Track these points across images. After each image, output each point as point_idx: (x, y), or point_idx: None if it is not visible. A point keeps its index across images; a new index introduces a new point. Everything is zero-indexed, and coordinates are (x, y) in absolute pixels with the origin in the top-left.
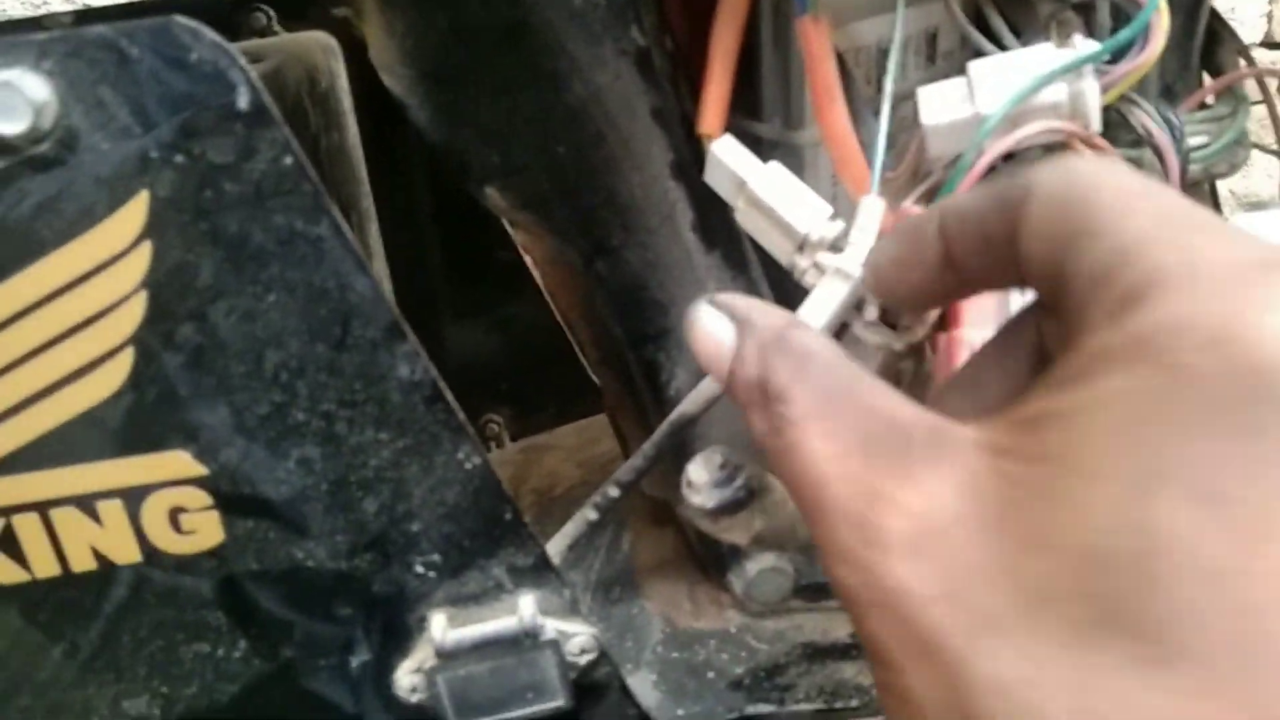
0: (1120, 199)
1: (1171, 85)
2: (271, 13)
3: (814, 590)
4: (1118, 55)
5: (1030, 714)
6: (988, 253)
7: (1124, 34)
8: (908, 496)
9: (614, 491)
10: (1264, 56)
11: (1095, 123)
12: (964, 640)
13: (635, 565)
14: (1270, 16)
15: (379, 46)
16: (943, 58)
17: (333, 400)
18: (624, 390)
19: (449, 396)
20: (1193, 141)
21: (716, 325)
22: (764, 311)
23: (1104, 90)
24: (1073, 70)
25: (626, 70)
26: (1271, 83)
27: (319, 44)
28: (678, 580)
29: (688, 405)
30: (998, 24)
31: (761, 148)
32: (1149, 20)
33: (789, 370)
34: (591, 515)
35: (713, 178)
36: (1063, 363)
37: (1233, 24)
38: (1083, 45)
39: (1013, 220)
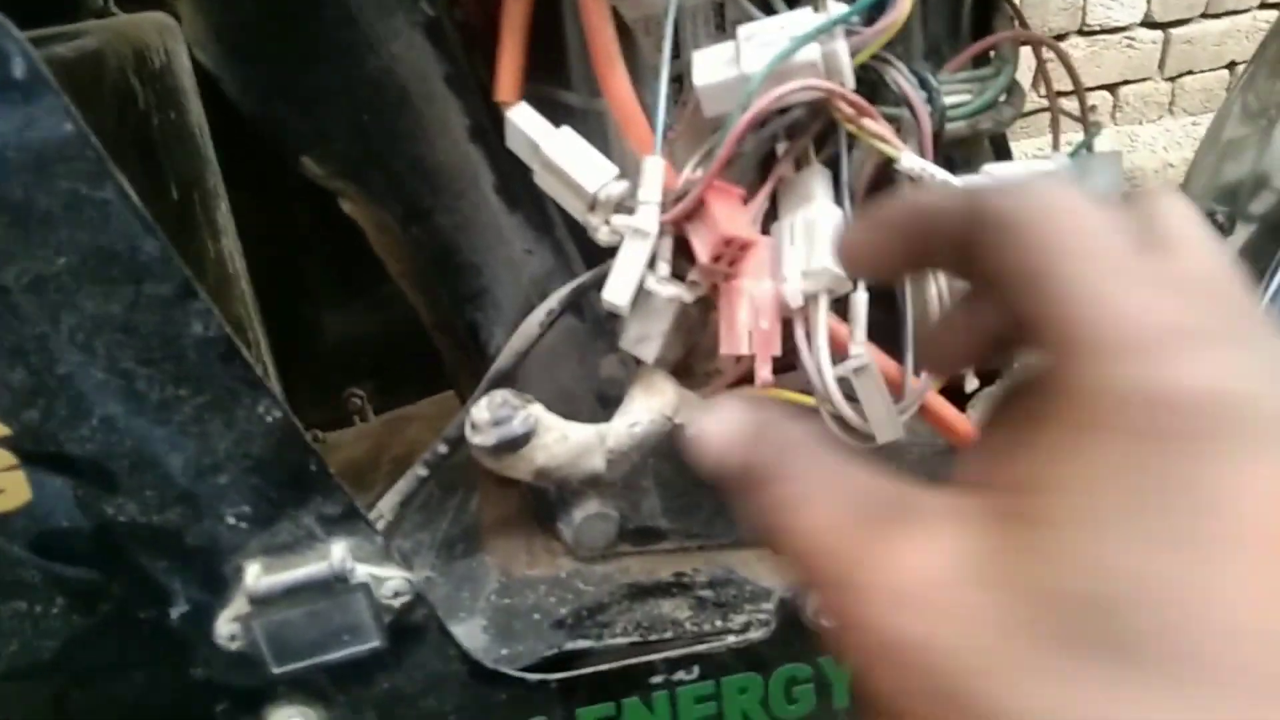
0: (1072, 240)
1: (938, 48)
2: None
3: (640, 534)
4: (873, 17)
5: None
6: (952, 254)
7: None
8: (897, 557)
9: (442, 448)
10: (1145, 35)
11: (848, 80)
12: (988, 683)
13: (480, 523)
14: None
15: (191, 23)
16: (731, 26)
17: (130, 359)
18: (456, 353)
19: (245, 353)
20: (954, 99)
21: (715, 422)
22: (759, 404)
23: (858, 50)
24: (825, 32)
25: (419, 41)
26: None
27: (155, 24)
28: (517, 534)
29: (501, 360)
30: None
31: (570, 115)
32: None
33: (784, 453)
34: (422, 471)
35: (512, 143)
36: (1024, 417)
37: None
38: (834, 9)
39: (972, 231)
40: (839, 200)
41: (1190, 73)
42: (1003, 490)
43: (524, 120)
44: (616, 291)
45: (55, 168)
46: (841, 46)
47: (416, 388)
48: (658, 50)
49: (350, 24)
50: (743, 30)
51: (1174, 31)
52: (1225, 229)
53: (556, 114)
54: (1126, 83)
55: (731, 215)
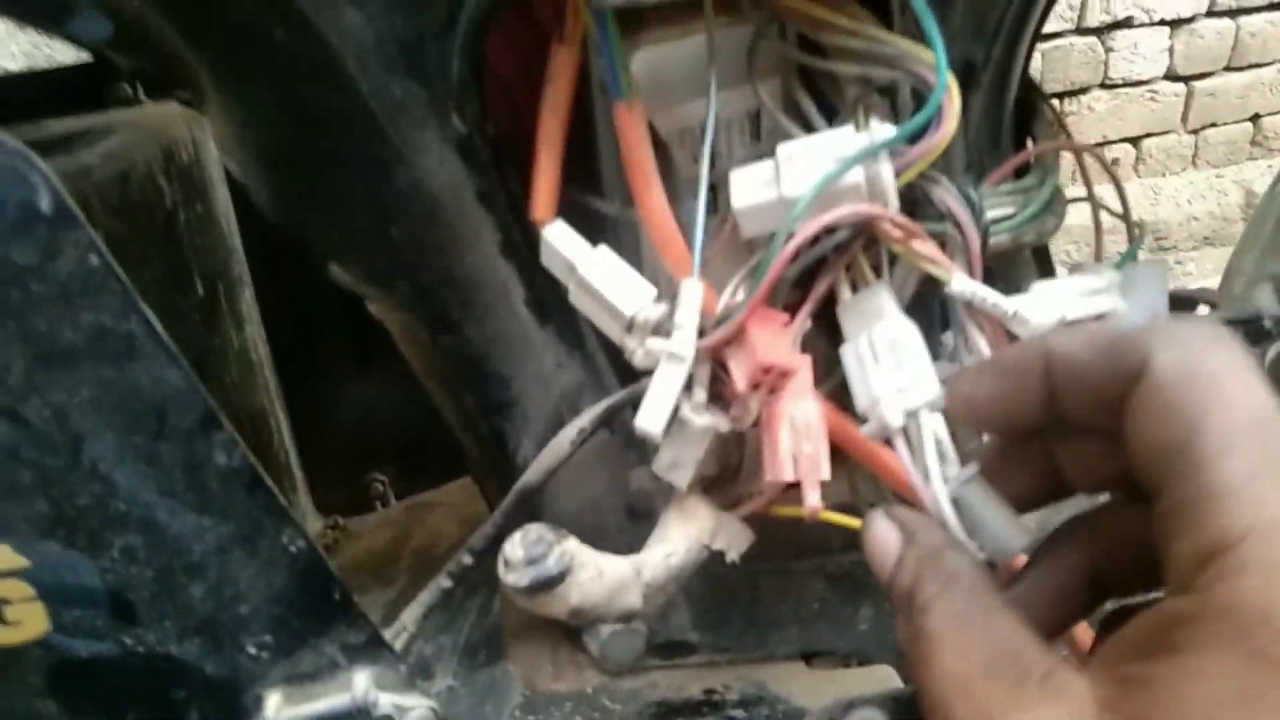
0: (1227, 427)
1: (980, 160)
2: (137, 84)
3: (669, 648)
4: (917, 136)
5: None
6: (1093, 409)
7: (917, 119)
8: None
9: (467, 559)
10: (1168, 88)
11: (893, 202)
12: None
13: (503, 628)
14: (1172, 50)
15: (219, 129)
16: (767, 135)
17: (153, 490)
18: (482, 455)
19: (269, 482)
20: (999, 213)
21: (886, 533)
22: (928, 528)
23: (902, 171)
24: (870, 154)
25: (449, 156)
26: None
27: (182, 116)
28: (542, 642)
29: (530, 475)
30: (807, 106)
31: (603, 223)
32: (940, 104)
33: (936, 586)
34: (446, 583)
35: (547, 261)
36: (1159, 616)
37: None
38: (878, 131)
39: (1120, 389)
40: None
41: (1214, 125)
42: (1137, 687)
43: (560, 239)
44: (651, 420)
45: (80, 300)
46: (886, 169)
47: (440, 470)
48: (693, 163)
49: (380, 137)
50: (782, 150)
51: (1197, 84)
52: (1274, 334)
53: (589, 222)
54: (1149, 135)
55: (772, 342)
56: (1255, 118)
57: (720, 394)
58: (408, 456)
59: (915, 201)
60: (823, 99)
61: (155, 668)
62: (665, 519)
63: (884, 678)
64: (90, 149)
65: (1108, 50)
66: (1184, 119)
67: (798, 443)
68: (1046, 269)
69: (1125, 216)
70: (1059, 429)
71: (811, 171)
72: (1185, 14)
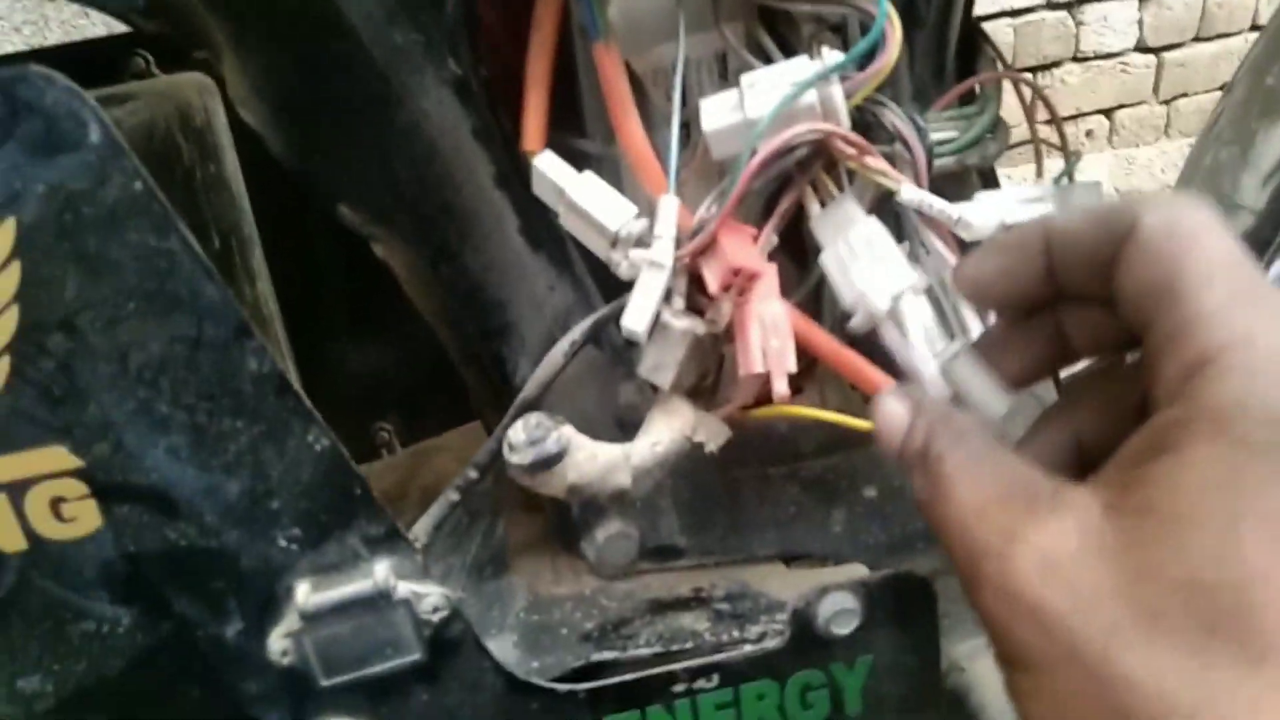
0: (1205, 267)
1: (924, 90)
2: (150, 57)
3: (659, 552)
4: (865, 62)
5: (1162, 702)
6: (1088, 273)
7: (861, 45)
8: (1038, 535)
9: (473, 473)
10: (1138, 60)
11: (844, 121)
12: (1100, 646)
13: (507, 547)
14: (1141, 23)
15: (234, 84)
16: (734, 75)
17: (193, 394)
18: (483, 384)
19: (296, 386)
20: (943, 136)
21: (894, 405)
22: (931, 399)
23: (852, 93)
24: (823, 79)
25: (447, 96)
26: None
27: (195, 85)
28: (543, 555)
29: (528, 389)
30: (768, 44)
31: (587, 161)
32: (883, 33)
33: (947, 440)
34: (453, 496)
35: (538, 189)
36: (1151, 428)
37: (1106, 31)
38: (829, 57)
39: (1113, 251)
40: None
41: (1185, 95)
42: (1136, 485)
43: (549, 167)
44: (635, 320)
45: (127, 222)
46: (837, 91)
47: (442, 420)
48: (667, 99)
49: (382, 82)
50: (745, 78)
51: (1167, 55)
52: None
53: (574, 161)
54: (1122, 107)
55: (740, 248)
56: (1225, 87)
57: (697, 304)
58: (410, 406)
59: (867, 126)
60: (783, 40)
61: (197, 560)
62: (651, 416)
63: (856, 573)
64: (118, 107)
65: (1078, 24)
66: (1155, 90)
67: (766, 338)
68: (993, 187)
69: (1061, 136)
70: (1060, 300)
71: (771, 95)
72: None
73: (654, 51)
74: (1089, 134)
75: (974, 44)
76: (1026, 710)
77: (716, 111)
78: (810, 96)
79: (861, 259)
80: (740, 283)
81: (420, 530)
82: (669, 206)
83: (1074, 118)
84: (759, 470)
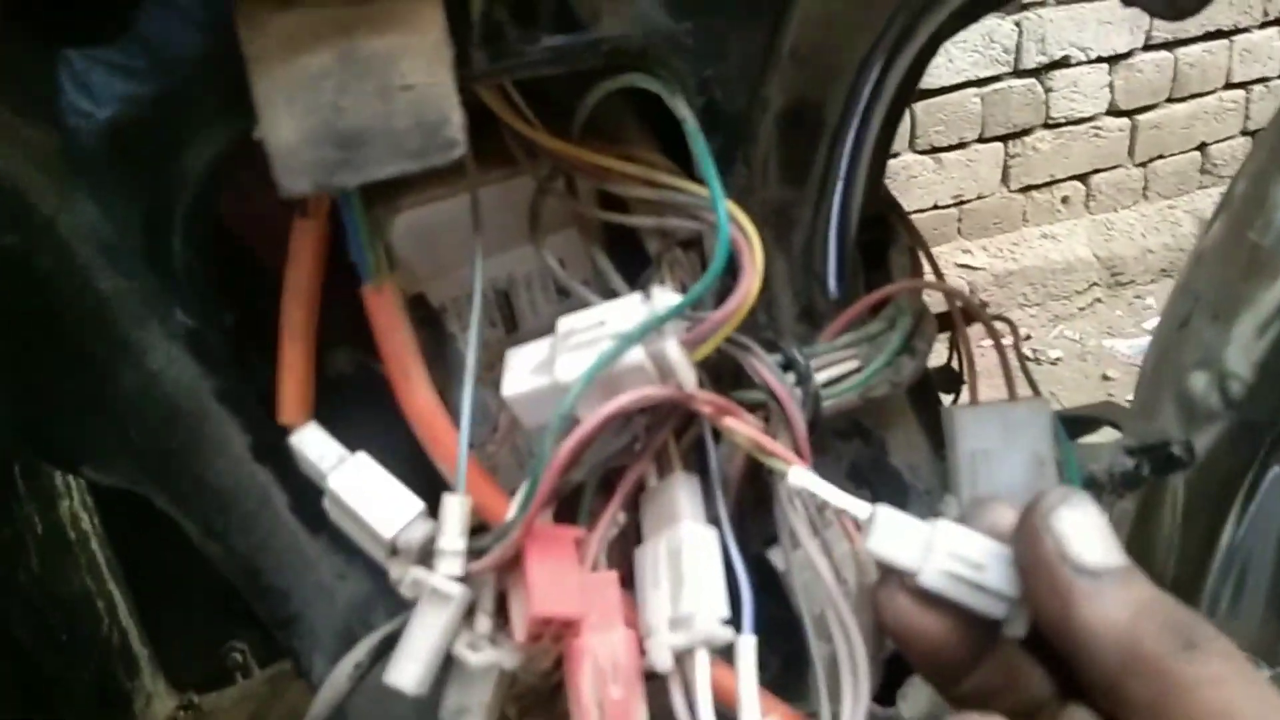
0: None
1: (809, 305)
2: None
3: None
4: (721, 297)
5: None
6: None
7: (701, 282)
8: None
9: None
10: (1112, 124)
11: (686, 380)
12: None
13: None
14: (1112, 86)
15: None
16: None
17: None
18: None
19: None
20: (840, 370)
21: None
22: None
23: (699, 342)
24: (651, 329)
25: (178, 354)
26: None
27: None
28: None
29: (314, 711)
30: (604, 264)
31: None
32: (740, 257)
33: None
34: None
35: (306, 468)
36: None
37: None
38: (660, 299)
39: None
40: (711, 510)
41: (1161, 157)
42: None
43: (310, 446)
44: (403, 671)
45: None
46: (671, 346)
47: None
48: (492, 326)
49: (102, 334)
50: (563, 323)
51: (1140, 118)
52: (1184, 462)
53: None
54: (1097, 171)
55: (552, 581)
56: (1202, 146)
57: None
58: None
59: (730, 374)
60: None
61: None
62: None
63: None
64: None
65: (1047, 90)
66: (1131, 153)
67: (602, 686)
68: (927, 405)
69: (1005, 370)
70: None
71: (588, 352)
72: (1122, 49)
73: (455, 275)
74: (1065, 200)
75: (888, 230)
76: None
77: (521, 370)
78: (636, 355)
79: (664, 583)
80: (554, 630)
81: None
82: (454, 510)
83: (1049, 185)
84: None
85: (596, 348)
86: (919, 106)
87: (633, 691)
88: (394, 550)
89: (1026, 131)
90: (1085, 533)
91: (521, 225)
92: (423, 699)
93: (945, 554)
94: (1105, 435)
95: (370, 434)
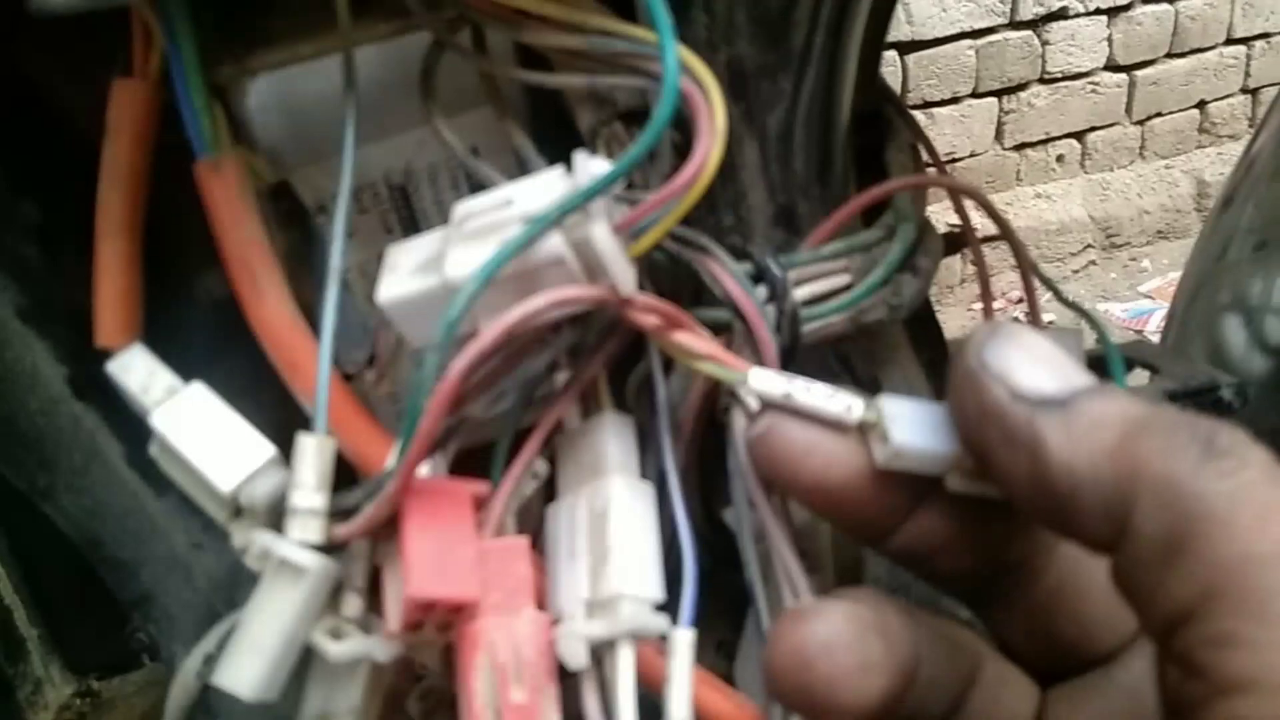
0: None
1: (789, 204)
2: None
3: None
4: (667, 174)
5: None
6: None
7: (638, 144)
8: None
9: None
10: (1109, 79)
11: (625, 283)
12: None
13: None
14: (1111, 40)
15: None
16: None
17: None
18: None
19: None
20: (827, 285)
21: None
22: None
23: (640, 231)
24: (572, 211)
25: None
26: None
27: None
28: None
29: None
30: (523, 143)
31: None
32: (695, 117)
33: None
34: None
35: (130, 403)
36: None
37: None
38: (584, 171)
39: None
40: (655, 462)
41: (1159, 115)
42: None
43: (131, 375)
44: (239, 669)
45: None
46: (599, 230)
47: None
48: (385, 230)
49: None
50: (458, 209)
51: (1139, 73)
52: (1235, 407)
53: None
54: (1094, 129)
55: (440, 553)
56: (1201, 104)
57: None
58: None
59: (686, 280)
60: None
61: None
62: None
63: None
64: None
65: (1044, 43)
66: (1128, 110)
67: (502, 689)
68: (929, 342)
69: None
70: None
71: (489, 241)
72: (1122, 1)
73: (330, 166)
74: (1060, 159)
75: (885, 124)
76: None
77: (403, 269)
78: (553, 243)
79: (580, 556)
80: (440, 616)
81: None
82: (310, 456)
83: (1044, 142)
84: None
85: (500, 234)
86: (910, 59)
87: (540, 694)
88: (237, 509)
89: (1022, 86)
90: (1032, 359)
91: (404, 102)
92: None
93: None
94: (1135, 379)
95: (246, 380)
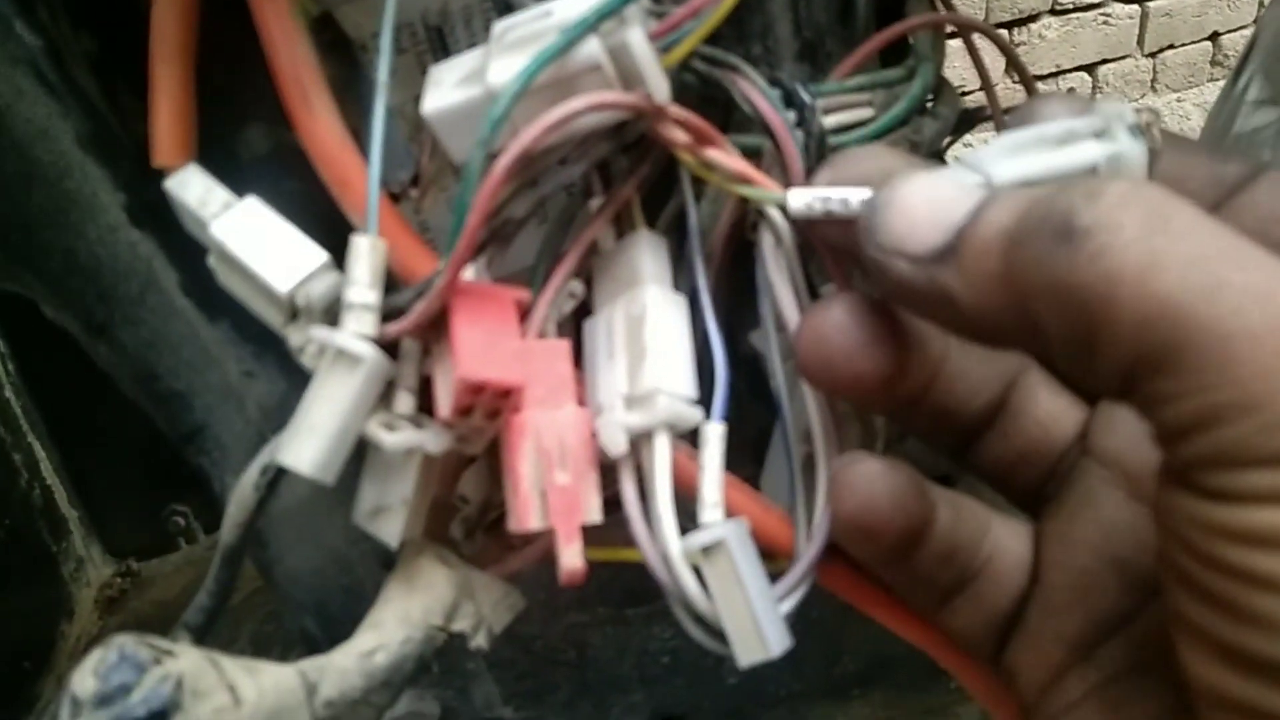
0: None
1: (819, 43)
2: None
3: None
4: None
5: None
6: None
7: None
8: None
9: (183, 636)
10: (1121, 10)
11: (658, 89)
12: None
13: None
14: None
15: None
16: None
17: None
18: None
19: None
20: (845, 118)
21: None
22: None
23: (672, 45)
24: (610, 16)
25: (28, 84)
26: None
27: None
28: None
29: (225, 537)
30: None
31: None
32: None
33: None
34: None
35: (186, 224)
36: None
37: None
38: None
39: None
40: (687, 281)
41: (1172, 47)
42: None
43: (189, 190)
44: (300, 448)
45: None
46: (635, 35)
47: None
48: (421, 71)
49: None
50: (498, 26)
51: (1151, 5)
52: None
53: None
54: (1105, 61)
55: (486, 341)
56: (1214, 36)
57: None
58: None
59: (728, 104)
60: None
61: None
62: (385, 592)
63: None
64: None
65: None
66: (1140, 42)
67: (547, 472)
68: None
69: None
70: None
71: (529, 49)
72: None
73: (371, 3)
74: (1071, 92)
75: None
76: None
77: (446, 84)
78: (590, 48)
79: (618, 357)
80: (489, 400)
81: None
82: (363, 254)
83: (1054, 75)
84: (612, 613)
85: (539, 43)
86: None
87: (583, 479)
88: (294, 311)
89: (1033, 18)
90: (910, 221)
91: None
92: (353, 527)
93: None
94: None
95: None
